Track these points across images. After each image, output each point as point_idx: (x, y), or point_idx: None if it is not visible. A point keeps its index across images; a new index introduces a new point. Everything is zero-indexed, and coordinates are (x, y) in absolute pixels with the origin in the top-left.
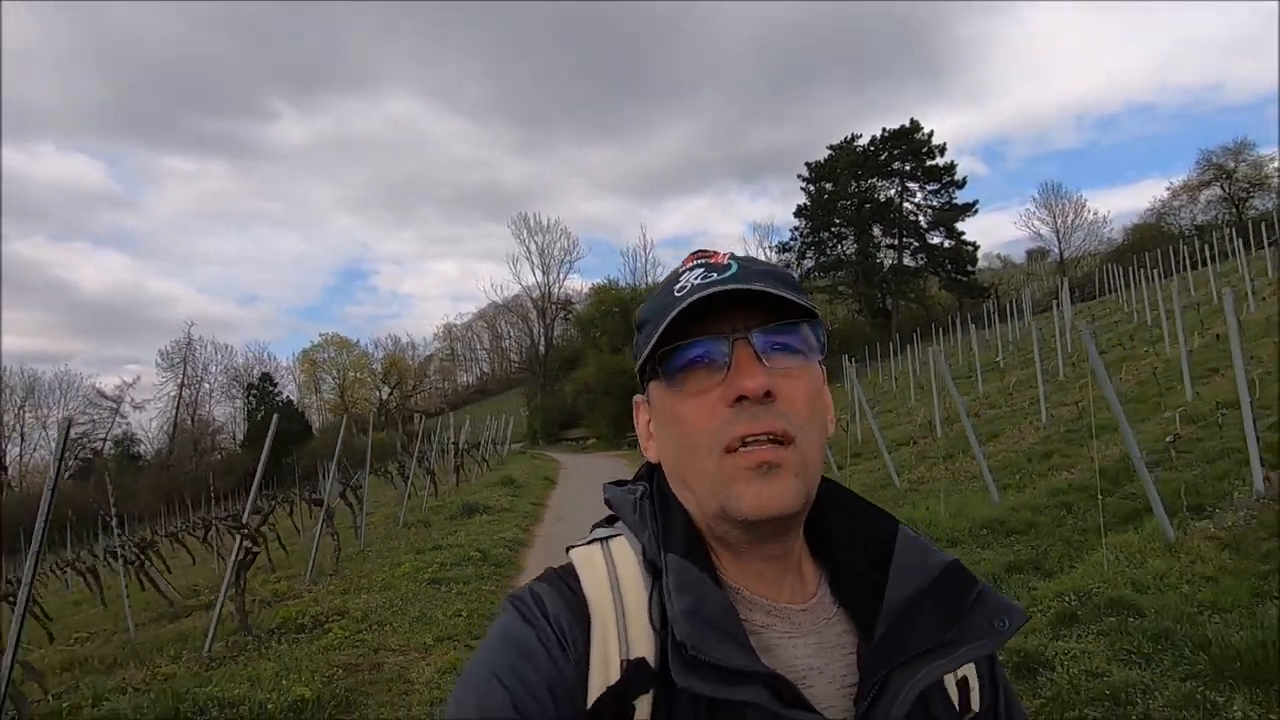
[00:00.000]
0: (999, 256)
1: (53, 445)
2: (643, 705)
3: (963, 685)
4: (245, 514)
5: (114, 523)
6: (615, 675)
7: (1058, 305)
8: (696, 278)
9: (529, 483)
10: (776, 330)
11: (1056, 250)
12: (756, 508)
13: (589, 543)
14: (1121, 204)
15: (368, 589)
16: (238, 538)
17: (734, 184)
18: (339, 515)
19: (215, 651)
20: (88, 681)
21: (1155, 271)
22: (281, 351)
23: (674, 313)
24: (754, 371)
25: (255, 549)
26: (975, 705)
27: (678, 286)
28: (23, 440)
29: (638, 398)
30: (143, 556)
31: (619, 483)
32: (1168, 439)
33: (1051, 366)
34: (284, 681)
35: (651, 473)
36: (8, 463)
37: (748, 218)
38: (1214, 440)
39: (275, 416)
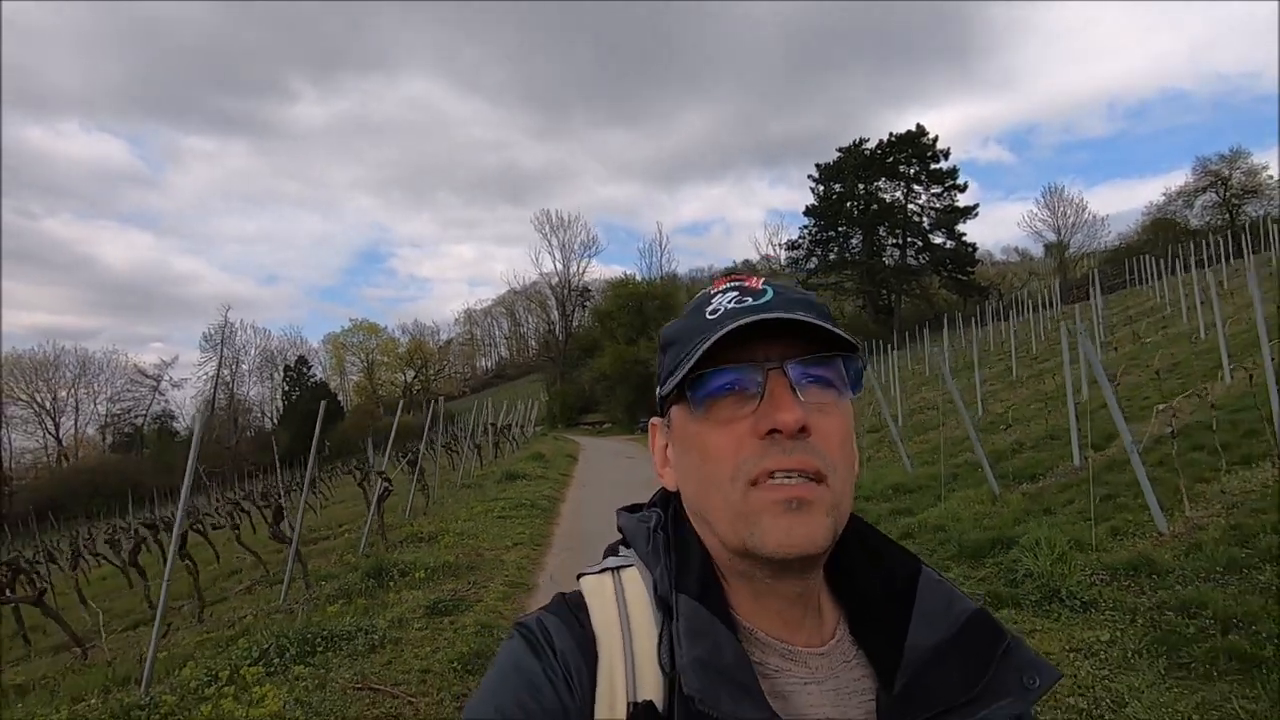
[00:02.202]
0: (1016, 249)
1: (101, 421)
2: None
3: None
4: (384, 464)
5: (278, 472)
6: (621, 717)
7: (1023, 311)
8: (730, 301)
9: (555, 458)
10: (814, 363)
11: (1069, 248)
12: (784, 545)
13: (600, 571)
14: (1152, 195)
15: (456, 520)
16: (379, 479)
17: (754, 170)
18: (399, 481)
19: (368, 551)
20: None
21: (1148, 273)
22: (303, 332)
23: (714, 337)
24: (789, 405)
25: (390, 488)
26: None
27: (710, 309)
28: (77, 413)
29: (654, 420)
30: (281, 502)
31: (632, 508)
32: (1003, 428)
33: (1009, 365)
34: (432, 556)
35: (667, 500)
36: (62, 434)
37: (768, 204)
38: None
39: (400, 404)
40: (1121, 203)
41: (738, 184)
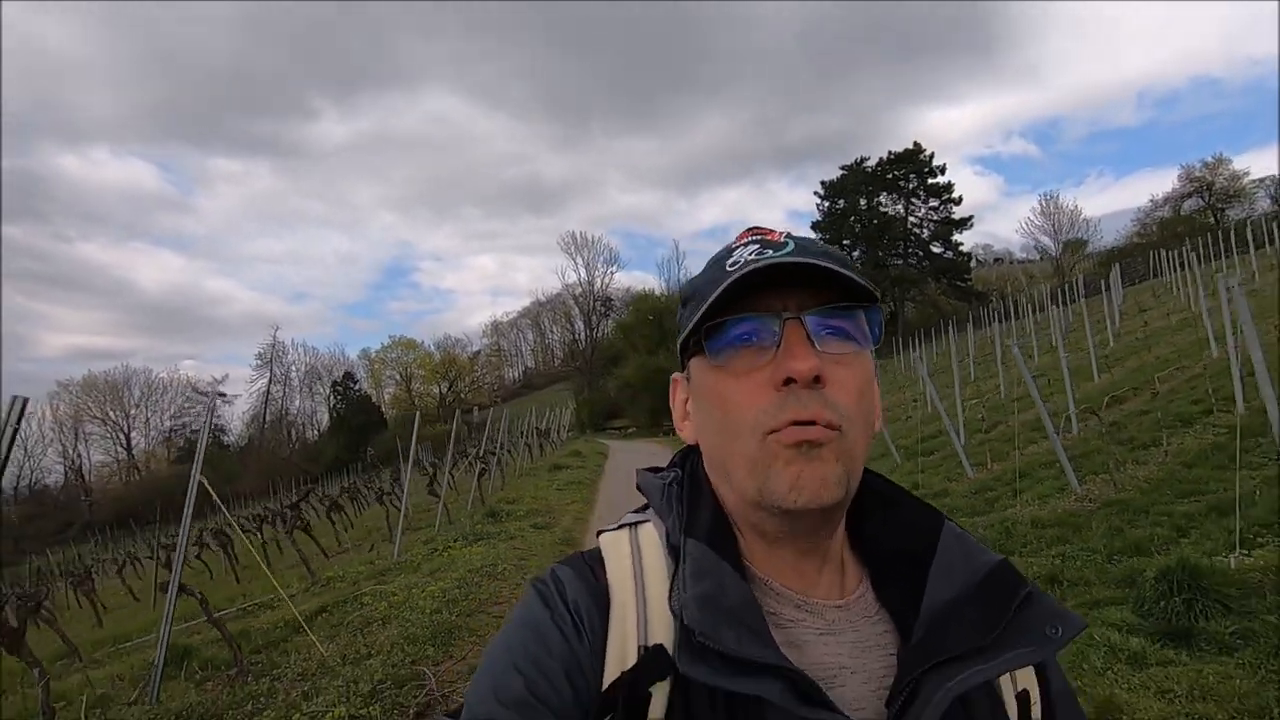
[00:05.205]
0: (1036, 247)
1: (163, 437)
2: (659, 692)
3: (1023, 698)
4: (481, 450)
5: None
6: (632, 660)
7: (1018, 314)
8: (751, 253)
9: (589, 456)
10: (831, 313)
11: (1086, 246)
12: (795, 490)
13: (618, 527)
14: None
15: (526, 492)
16: (477, 463)
17: (774, 173)
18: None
19: (474, 509)
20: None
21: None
22: (331, 346)
23: (726, 282)
24: (804, 354)
25: (484, 469)
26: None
27: (730, 261)
28: (148, 428)
29: (676, 375)
30: (391, 490)
31: (654, 469)
32: (933, 421)
33: (970, 368)
34: (521, 508)
35: (685, 459)
36: (133, 448)
37: (787, 205)
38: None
39: (457, 412)
40: (1156, 193)
41: (757, 187)
